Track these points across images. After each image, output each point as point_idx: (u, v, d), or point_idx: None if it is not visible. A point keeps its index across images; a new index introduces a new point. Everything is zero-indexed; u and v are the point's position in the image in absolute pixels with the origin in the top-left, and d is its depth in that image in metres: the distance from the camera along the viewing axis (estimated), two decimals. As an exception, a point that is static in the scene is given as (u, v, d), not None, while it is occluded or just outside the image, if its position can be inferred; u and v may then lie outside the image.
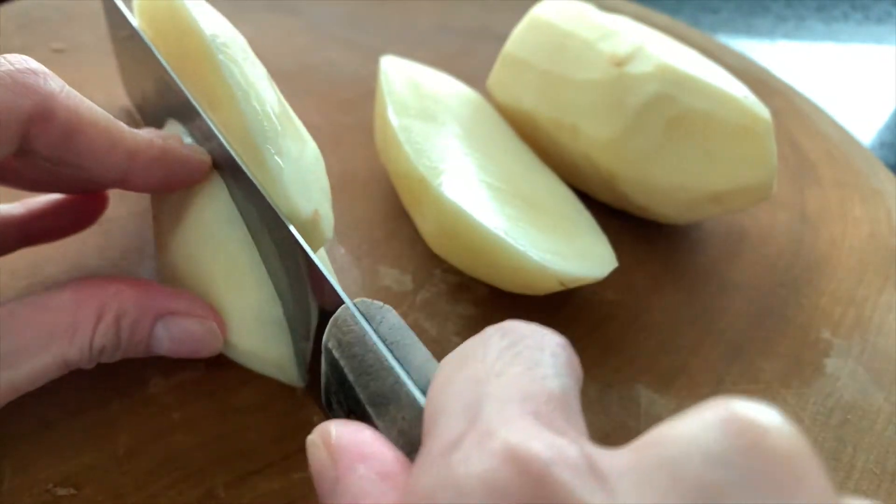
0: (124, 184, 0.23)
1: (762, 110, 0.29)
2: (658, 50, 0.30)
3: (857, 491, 0.24)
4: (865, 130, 0.49)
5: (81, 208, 0.26)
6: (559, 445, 0.12)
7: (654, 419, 0.26)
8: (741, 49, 0.47)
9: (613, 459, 0.12)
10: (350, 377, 0.17)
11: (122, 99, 0.36)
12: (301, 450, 0.23)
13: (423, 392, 0.16)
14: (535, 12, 0.33)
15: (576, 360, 0.15)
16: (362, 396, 0.17)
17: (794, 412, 0.27)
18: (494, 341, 0.15)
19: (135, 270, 0.28)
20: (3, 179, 0.23)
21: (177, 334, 0.23)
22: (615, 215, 0.33)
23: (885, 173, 0.38)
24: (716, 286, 0.31)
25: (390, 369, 0.17)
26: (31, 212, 0.26)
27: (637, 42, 0.30)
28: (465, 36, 0.44)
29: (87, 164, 0.22)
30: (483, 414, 0.13)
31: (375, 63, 0.33)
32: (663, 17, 0.47)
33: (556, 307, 0.29)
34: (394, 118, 0.29)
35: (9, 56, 0.20)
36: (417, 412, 0.15)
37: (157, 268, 0.28)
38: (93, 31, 0.41)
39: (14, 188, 0.24)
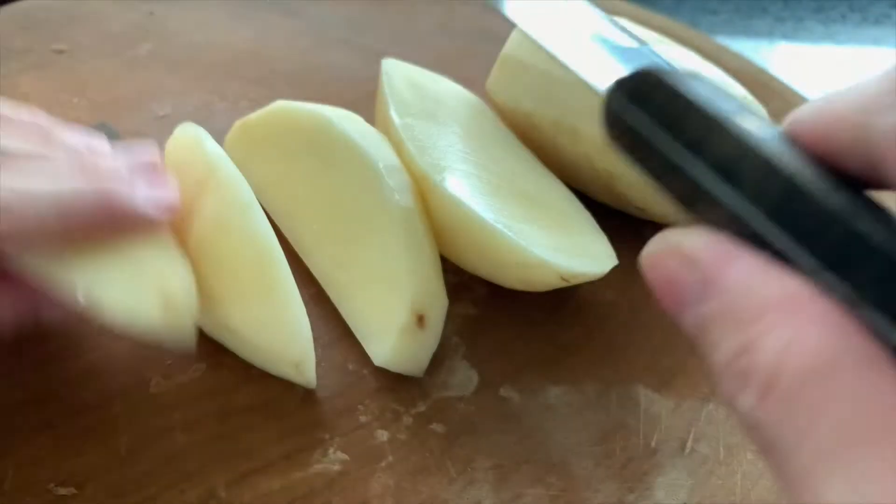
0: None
1: (760, 111, 0.29)
2: (657, 51, 0.30)
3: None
4: (864, 131, 0.49)
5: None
6: None
7: (654, 418, 0.26)
8: (740, 50, 0.47)
9: None
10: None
11: (124, 99, 0.36)
12: (302, 449, 0.24)
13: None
14: (534, 14, 0.33)
15: None
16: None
17: (792, 412, 0.27)
18: None
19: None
20: None
21: None
22: (614, 216, 0.33)
23: (883, 174, 0.38)
24: (715, 286, 0.31)
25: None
26: None
27: (636, 43, 0.30)
28: (465, 38, 0.44)
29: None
30: None
31: (376, 65, 0.33)
32: (661, 19, 0.48)
33: (555, 307, 0.29)
34: (396, 117, 0.29)
35: None
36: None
37: None
38: (94, 31, 0.41)
39: None
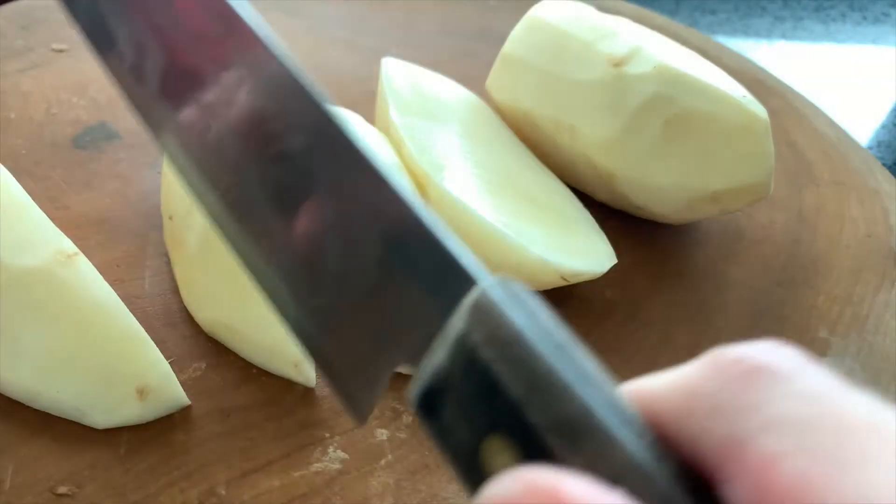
0: None
1: (760, 110, 0.29)
2: (656, 50, 0.30)
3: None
4: (863, 130, 0.49)
5: None
6: None
7: (653, 417, 0.26)
8: (739, 49, 0.47)
9: None
10: (514, 391, 0.13)
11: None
12: (302, 447, 0.24)
13: (623, 423, 0.12)
14: (533, 13, 0.33)
15: None
16: (537, 419, 0.12)
17: (791, 410, 0.27)
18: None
19: (137, 267, 0.28)
20: None
21: None
22: (614, 215, 0.33)
23: (882, 173, 0.38)
24: (713, 285, 0.31)
25: (571, 389, 0.12)
26: None
27: (635, 42, 0.30)
28: (465, 37, 0.44)
29: None
30: None
31: (376, 64, 0.33)
32: (661, 18, 0.48)
33: (554, 305, 0.29)
34: (396, 116, 0.29)
35: None
36: (621, 455, 0.12)
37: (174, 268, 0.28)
38: (93, 31, 0.41)
39: None
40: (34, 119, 0.34)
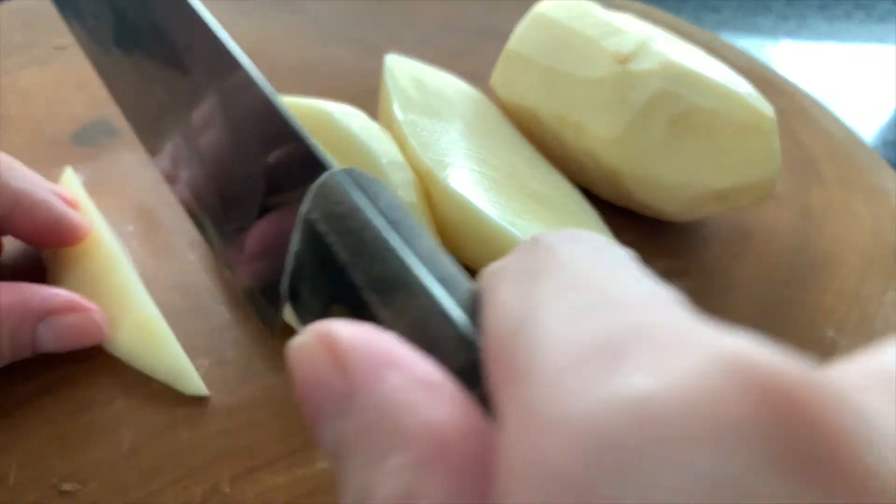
0: (2, 227, 0.24)
1: (766, 108, 0.29)
2: (662, 47, 0.30)
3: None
4: (868, 128, 0.49)
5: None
6: (784, 359, 0.08)
7: (659, 416, 0.26)
8: (743, 48, 0.47)
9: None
10: (343, 257, 0.14)
11: (126, 96, 0.36)
12: (307, 446, 0.24)
13: (439, 281, 0.13)
14: (538, 9, 0.33)
15: None
16: (360, 280, 0.14)
17: (798, 409, 0.27)
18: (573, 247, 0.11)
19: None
20: None
21: (60, 331, 0.23)
22: (619, 213, 0.33)
23: (888, 171, 0.38)
24: (719, 284, 0.31)
25: (394, 251, 0.13)
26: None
27: (641, 39, 0.30)
28: (469, 34, 0.44)
29: None
30: (633, 312, 0.09)
31: (378, 60, 0.33)
32: (666, 15, 0.47)
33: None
34: (399, 113, 0.29)
35: None
36: (431, 304, 0.12)
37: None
38: (96, 27, 0.41)
39: None
40: (34, 116, 0.34)
